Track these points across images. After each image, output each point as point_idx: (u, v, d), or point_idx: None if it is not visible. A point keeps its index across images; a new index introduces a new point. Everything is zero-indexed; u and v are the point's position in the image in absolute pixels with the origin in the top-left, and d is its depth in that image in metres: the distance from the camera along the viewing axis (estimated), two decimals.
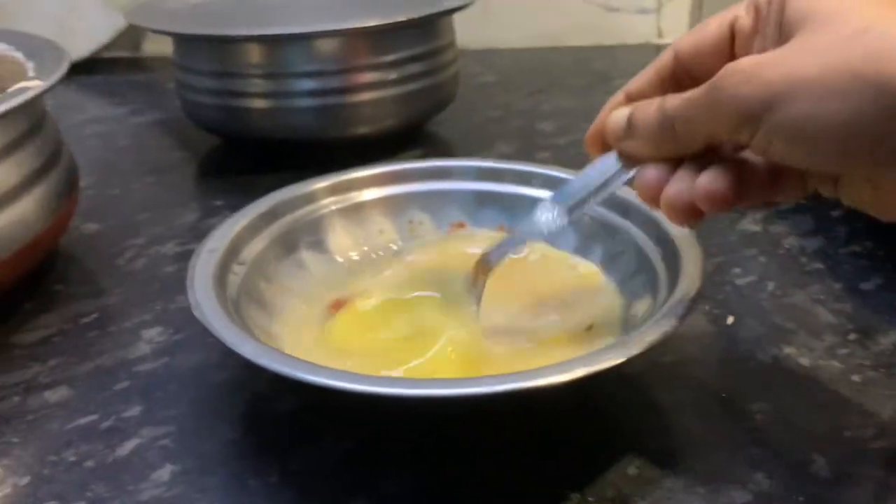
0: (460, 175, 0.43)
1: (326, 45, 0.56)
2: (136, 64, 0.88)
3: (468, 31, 0.66)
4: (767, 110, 0.24)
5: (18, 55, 0.46)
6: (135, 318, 0.40)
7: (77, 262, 0.46)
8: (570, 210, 0.32)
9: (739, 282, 0.42)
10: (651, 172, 0.29)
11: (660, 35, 0.92)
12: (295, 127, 0.58)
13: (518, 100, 0.73)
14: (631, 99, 0.31)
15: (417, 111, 0.61)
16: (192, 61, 0.59)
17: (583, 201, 0.32)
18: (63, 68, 0.41)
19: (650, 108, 0.29)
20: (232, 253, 0.36)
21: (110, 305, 0.42)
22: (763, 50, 0.27)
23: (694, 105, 0.27)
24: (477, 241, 0.40)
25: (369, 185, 0.43)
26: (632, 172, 0.31)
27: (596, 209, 0.37)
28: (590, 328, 0.35)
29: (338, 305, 0.37)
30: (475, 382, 0.27)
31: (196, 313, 0.30)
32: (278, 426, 0.33)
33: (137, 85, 0.81)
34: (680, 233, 0.34)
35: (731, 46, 0.29)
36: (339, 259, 0.41)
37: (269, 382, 0.35)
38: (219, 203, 0.53)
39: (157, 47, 0.92)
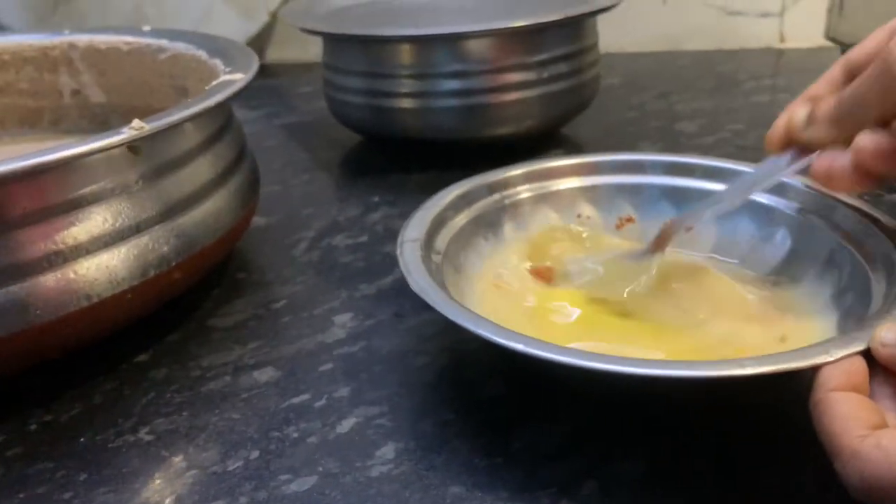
0: (640, 169, 0.43)
1: (475, 46, 0.56)
2: (263, 70, 0.91)
3: None
4: None
5: (201, 53, 0.48)
6: (324, 304, 0.42)
7: (254, 252, 0.48)
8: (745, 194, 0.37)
9: None
10: (826, 155, 0.32)
11: (782, 40, 0.90)
12: (441, 127, 0.58)
13: (650, 101, 0.73)
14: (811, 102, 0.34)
15: (561, 111, 0.61)
16: (341, 61, 0.60)
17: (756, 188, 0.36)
18: (255, 63, 0.43)
19: (830, 99, 0.32)
20: (429, 242, 0.36)
21: (297, 293, 0.43)
22: None
23: (866, 78, 0.30)
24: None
25: (550, 177, 0.43)
26: (807, 160, 0.33)
27: (814, 222, 0.38)
28: (783, 340, 0.34)
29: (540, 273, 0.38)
30: (716, 365, 0.27)
31: (427, 299, 0.31)
32: (491, 408, 0.33)
33: (267, 89, 0.84)
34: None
35: None
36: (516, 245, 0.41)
37: (473, 366, 0.36)
38: (376, 199, 0.54)
39: (281, 54, 0.95)
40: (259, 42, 0.92)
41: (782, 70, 0.83)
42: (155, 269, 0.36)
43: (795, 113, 0.34)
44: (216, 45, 0.48)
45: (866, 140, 0.30)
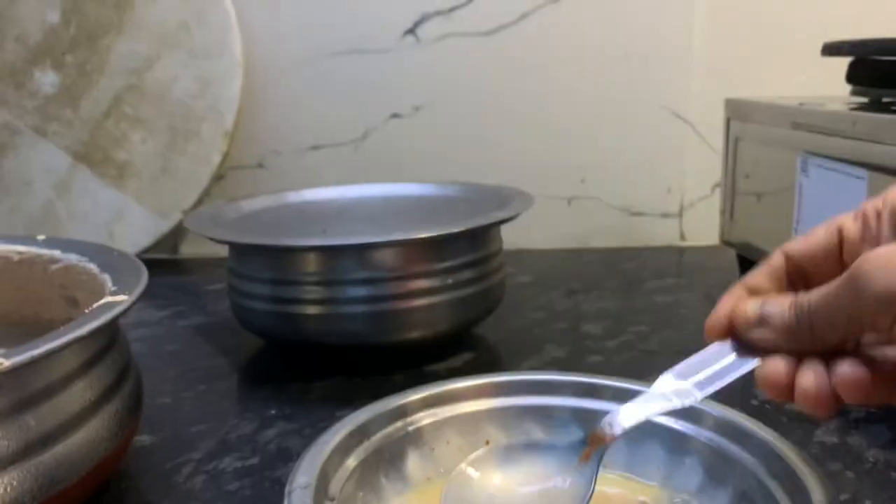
0: (549, 389, 0.42)
1: (382, 255, 0.57)
2: (175, 265, 0.90)
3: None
4: None
5: (92, 266, 0.47)
6: None
7: (132, 478, 0.44)
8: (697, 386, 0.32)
9: None
10: (779, 363, 0.30)
11: (682, 238, 0.95)
12: (348, 332, 0.57)
13: (557, 300, 0.74)
14: (751, 292, 0.32)
15: (468, 316, 0.61)
16: (247, 268, 0.60)
17: (706, 381, 0.32)
18: (143, 282, 0.42)
19: (785, 303, 0.30)
20: (321, 487, 0.33)
21: None
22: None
23: (833, 297, 0.28)
24: None
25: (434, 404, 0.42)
26: (753, 363, 0.31)
27: (719, 441, 0.37)
28: None
29: None
30: None
31: None
32: None
33: (178, 286, 0.82)
34: (804, 467, 0.33)
35: (840, 252, 0.31)
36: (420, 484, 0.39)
37: None
38: (273, 412, 0.52)
39: (194, 249, 0.94)
40: (172, 238, 0.92)
41: (684, 268, 0.87)
42: None
43: (743, 307, 0.31)
44: (108, 259, 0.47)
45: (847, 370, 0.28)
